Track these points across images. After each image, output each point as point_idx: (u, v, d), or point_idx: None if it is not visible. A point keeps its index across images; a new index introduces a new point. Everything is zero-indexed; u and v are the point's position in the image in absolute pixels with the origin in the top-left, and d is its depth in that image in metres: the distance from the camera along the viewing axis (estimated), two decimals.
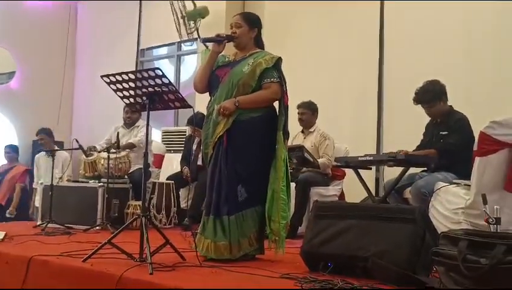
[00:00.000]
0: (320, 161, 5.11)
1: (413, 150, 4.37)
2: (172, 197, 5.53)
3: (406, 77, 5.53)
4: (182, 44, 7.92)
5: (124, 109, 5.80)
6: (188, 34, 7.27)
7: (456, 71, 5.22)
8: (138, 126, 5.85)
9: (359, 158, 4.31)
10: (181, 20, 7.22)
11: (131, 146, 5.61)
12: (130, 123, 5.88)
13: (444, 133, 4.26)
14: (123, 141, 5.64)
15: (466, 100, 4.58)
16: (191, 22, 7.21)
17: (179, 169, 5.99)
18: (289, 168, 3.47)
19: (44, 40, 9.01)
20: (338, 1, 6.38)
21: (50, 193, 5.04)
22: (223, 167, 3.32)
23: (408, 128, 5.31)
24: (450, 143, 4.15)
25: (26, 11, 8.90)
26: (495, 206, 2.51)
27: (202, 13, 7.16)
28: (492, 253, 2.08)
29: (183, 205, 5.74)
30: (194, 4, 7.16)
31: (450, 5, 5.44)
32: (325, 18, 6.56)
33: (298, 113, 5.33)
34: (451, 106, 4.35)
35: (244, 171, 3.33)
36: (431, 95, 4.26)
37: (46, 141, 6.83)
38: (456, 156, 4.09)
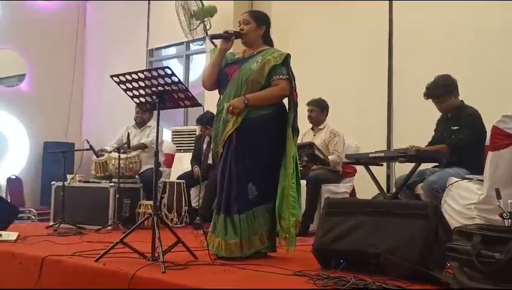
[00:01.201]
0: (330, 157, 5.09)
1: (425, 146, 4.35)
2: (183, 196, 5.55)
3: (415, 73, 5.51)
4: (191, 43, 7.92)
5: (135, 109, 5.83)
6: (200, 32, 7.25)
7: (465, 68, 5.18)
8: (150, 126, 5.87)
9: (370, 155, 4.28)
10: (190, 20, 7.21)
11: (142, 147, 5.63)
12: (141, 123, 5.91)
13: (455, 128, 4.22)
14: (134, 141, 5.67)
15: (475, 97, 4.53)
16: (198, 22, 7.20)
17: (189, 168, 6.00)
18: (299, 165, 3.46)
19: (53, 41, 9.06)
20: (346, 1, 6.35)
21: (62, 193, 5.06)
22: (233, 166, 3.32)
23: (418, 125, 5.28)
24: (461, 138, 4.12)
25: (35, 13, 8.94)
26: (509, 201, 2.49)
27: (211, 12, 7.15)
28: (507, 248, 2.05)
29: (194, 204, 5.75)
30: (202, 4, 7.16)
31: (459, 2, 5.39)
32: (332, 17, 6.54)
33: (308, 111, 5.31)
34: (462, 100, 4.31)
35: (254, 169, 3.32)
36: (442, 89, 4.23)
37: None
38: (468, 151, 4.06)
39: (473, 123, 4.14)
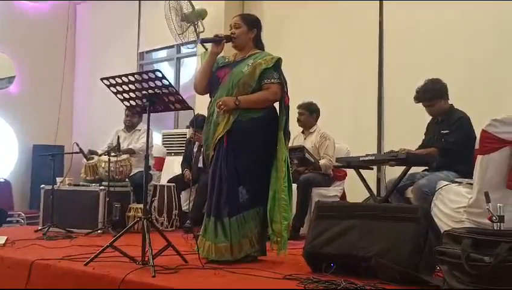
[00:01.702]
0: (321, 162, 5.10)
1: (416, 149, 4.37)
2: (173, 199, 5.53)
3: (406, 76, 5.53)
4: (182, 46, 7.90)
5: (125, 112, 5.80)
6: (190, 34, 7.23)
7: (456, 69, 5.20)
8: (139, 130, 5.84)
9: (360, 158, 4.30)
10: (181, 23, 7.19)
11: (131, 152, 5.60)
12: (130, 126, 5.89)
13: (444, 131, 4.25)
14: (124, 145, 5.64)
15: (466, 98, 4.56)
16: (188, 24, 7.19)
17: (179, 172, 5.98)
18: (290, 169, 3.46)
19: (43, 43, 9.00)
20: (337, 1, 6.37)
21: (51, 196, 5.03)
22: (224, 168, 3.31)
23: (409, 128, 5.30)
24: (450, 142, 4.15)
25: (24, 15, 8.88)
26: (498, 204, 2.50)
27: (202, 14, 7.14)
28: (496, 251, 2.07)
29: (184, 207, 5.73)
30: (192, 6, 7.15)
31: (450, 3, 5.42)
32: (323, 18, 6.55)
33: (298, 114, 5.32)
34: (452, 104, 4.34)
35: (244, 172, 3.32)
36: (432, 93, 4.26)
37: None
38: (458, 155, 4.08)
39: (462, 127, 4.17)
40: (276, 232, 3.27)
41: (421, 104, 4.37)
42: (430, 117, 4.50)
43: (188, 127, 7.47)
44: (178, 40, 7.29)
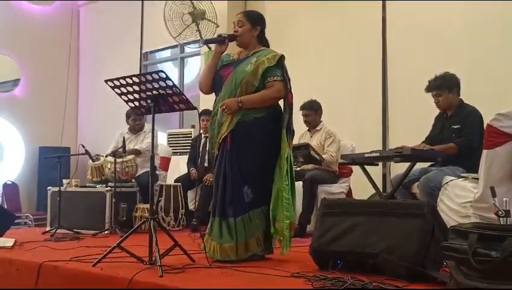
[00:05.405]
0: (323, 157, 5.10)
1: (422, 142, 4.35)
2: (179, 199, 5.54)
3: (410, 73, 5.53)
4: (185, 46, 7.91)
5: (127, 115, 5.80)
6: (192, 33, 7.22)
7: (459, 67, 5.17)
8: (145, 131, 5.86)
9: (365, 155, 4.29)
10: (193, 23, 7.18)
11: (136, 152, 5.62)
12: (138, 129, 5.89)
13: (456, 127, 4.20)
14: (130, 147, 5.65)
15: (469, 96, 4.54)
16: (192, 23, 7.19)
17: (185, 171, 5.99)
18: (294, 167, 3.45)
19: (47, 45, 9.03)
20: (340, 0, 6.36)
21: (58, 198, 5.05)
22: (228, 168, 3.31)
23: (413, 124, 5.30)
24: (470, 139, 4.05)
25: (28, 17, 8.92)
26: (504, 199, 2.49)
27: (203, 14, 7.14)
28: (503, 246, 2.07)
29: (191, 206, 5.75)
30: (194, 6, 7.14)
31: (453, 2, 5.40)
32: (326, 17, 6.55)
33: (303, 115, 5.30)
34: (461, 99, 4.31)
35: (249, 172, 3.31)
36: (441, 81, 4.24)
37: None
38: (473, 151, 4.02)
39: (478, 122, 4.11)
40: (278, 231, 3.26)
41: (427, 99, 4.33)
42: (436, 113, 4.47)
43: (193, 127, 7.50)
44: (176, 41, 7.29)
